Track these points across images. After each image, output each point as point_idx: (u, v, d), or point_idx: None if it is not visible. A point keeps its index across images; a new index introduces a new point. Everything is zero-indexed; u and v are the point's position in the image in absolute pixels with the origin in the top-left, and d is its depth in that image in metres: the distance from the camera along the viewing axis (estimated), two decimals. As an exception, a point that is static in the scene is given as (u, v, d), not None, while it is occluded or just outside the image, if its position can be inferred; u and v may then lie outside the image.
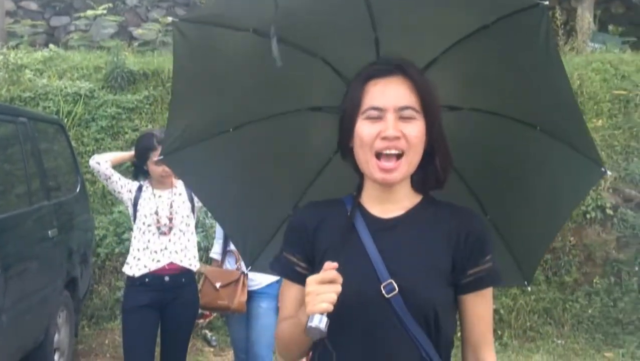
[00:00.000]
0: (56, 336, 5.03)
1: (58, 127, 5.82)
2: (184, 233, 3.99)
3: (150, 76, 8.22)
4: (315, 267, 1.68)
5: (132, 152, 4.19)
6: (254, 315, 4.25)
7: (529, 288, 2.17)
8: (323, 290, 1.54)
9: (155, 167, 3.91)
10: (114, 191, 4.06)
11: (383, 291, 1.62)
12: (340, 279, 1.56)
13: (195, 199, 4.01)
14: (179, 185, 4.05)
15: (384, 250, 1.66)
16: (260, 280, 4.23)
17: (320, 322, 1.54)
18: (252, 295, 4.24)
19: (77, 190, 5.47)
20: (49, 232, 4.73)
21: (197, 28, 1.91)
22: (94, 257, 6.40)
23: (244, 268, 4.16)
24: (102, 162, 4.01)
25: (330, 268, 1.56)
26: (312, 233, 1.74)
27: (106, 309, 6.36)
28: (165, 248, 3.92)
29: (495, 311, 6.48)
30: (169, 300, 3.90)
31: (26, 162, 4.62)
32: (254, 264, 2.22)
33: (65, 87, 7.82)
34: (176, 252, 3.94)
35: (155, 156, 3.89)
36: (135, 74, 8.15)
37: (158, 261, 3.90)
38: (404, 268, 1.65)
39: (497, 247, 1.89)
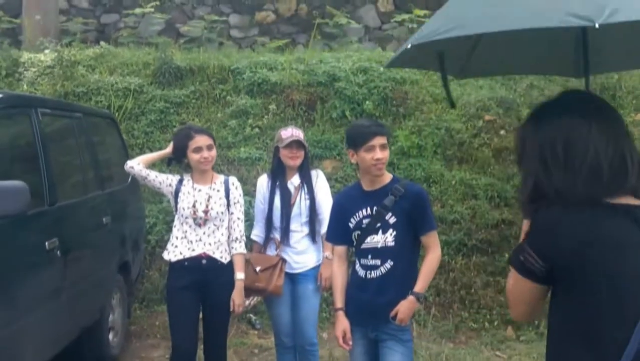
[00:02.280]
0: (110, 316, 5.37)
1: (110, 121, 6.14)
2: (217, 228, 4.24)
3: (196, 72, 8.44)
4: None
5: (165, 151, 4.43)
6: (301, 296, 4.49)
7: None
8: None
9: (193, 155, 4.18)
10: (154, 188, 4.35)
11: None
12: None
13: (234, 196, 4.26)
14: (218, 181, 4.31)
15: None
16: (305, 263, 4.49)
17: None
18: (297, 277, 4.50)
19: (129, 180, 5.78)
20: (103, 219, 5.06)
21: None
22: (145, 244, 6.70)
23: (283, 254, 4.44)
24: (135, 165, 4.26)
25: None
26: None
27: (156, 293, 6.63)
28: (200, 240, 4.20)
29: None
30: (207, 282, 4.20)
31: (81, 154, 4.96)
32: None
33: (116, 83, 8.10)
34: (210, 244, 4.21)
35: (194, 145, 4.17)
36: (182, 70, 8.38)
37: (193, 250, 4.19)
38: None
39: None
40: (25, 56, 8.76)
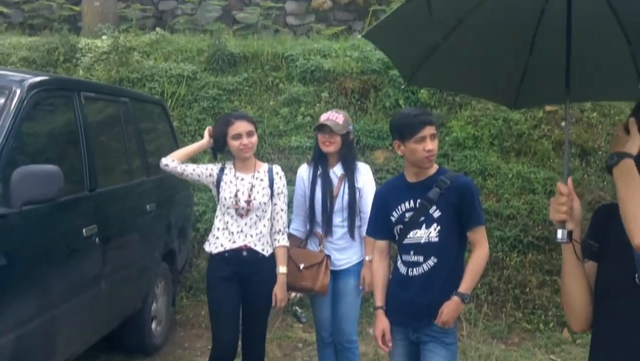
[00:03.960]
0: (154, 305, 5.32)
1: (159, 107, 6.09)
2: (260, 219, 4.09)
3: (249, 59, 8.38)
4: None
5: (201, 142, 4.27)
6: (341, 291, 4.31)
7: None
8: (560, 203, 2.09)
9: (233, 142, 4.05)
10: (195, 182, 4.24)
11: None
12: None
13: (278, 186, 4.11)
14: (261, 170, 4.15)
15: None
16: (347, 259, 4.30)
17: (562, 236, 2.08)
18: (339, 273, 4.31)
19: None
20: (147, 206, 5.00)
21: None
22: (194, 232, 6.65)
23: (328, 249, 4.26)
24: (170, 162, 4.13)
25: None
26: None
27: (203, 282, 6.34)
28: (241, 231, 4.06)
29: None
30: (248, 274, 4.06)
31: (126, 140, 4.90)
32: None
33: (170, 69, 8.10)
34: (251, 236, 4.06)
35: (233, 131, 4.03)
36: (235, 57, 8.33)
37: (234, 242, 4.06)
38: None
39: None
40: (83, 42, 8.84)
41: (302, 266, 4.24)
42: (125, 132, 4.93)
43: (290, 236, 4.35)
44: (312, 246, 4.36)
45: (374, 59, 7.99)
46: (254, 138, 4.08)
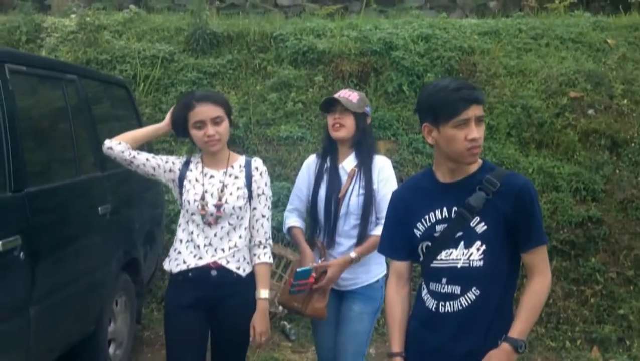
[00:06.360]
0: (112, 325, 4.47)
1: (122, 89, 5.20)
2: (234, 228, 3.17)
3: (234, 39, 7.71)
4: None
5: (159, 125, 3.37)
6: (344, 318, 3.51)
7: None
8: None
9: (196, 132, 3.14)
10: (147, 176, 3.29)
11: None
12: None
13: (258, 185, 3.23)
14: (236, 165, 3.23)
15: None
16: (354, 280, 3.47)
17: None
18: (344, 295, 3.51)
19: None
20: (100, 208, 4.11)
21: None
22: (167, 235, 5.83)
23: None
24: (115, 145, 3.20)
25: None
26: None
27: None
28: (210, 244, 3.15)
29: (624, 317, 5.54)
30: (218, 300, 3.13)
31: (72, 127, 3.99)
32: None
33: (144, 50, 7.41)
34: (223, 250, 3.15)
35: (194, 117, 3.12)
36: (218, 36, 7.65)
37: (200, 258, 3.14)
38: None
39: None
40: (49, 21, 8.17)
41: None
42: (72, 117, 4.01)
43: (293, 229, 3.56)
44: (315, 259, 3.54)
45: (374, 39, 7.33)
46: (223, 127, 3.14)
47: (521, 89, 6.88)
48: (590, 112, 6.70)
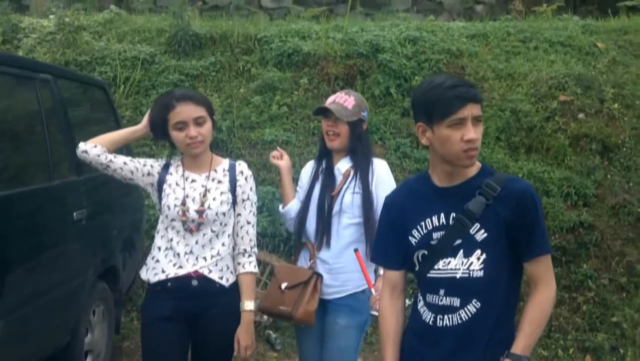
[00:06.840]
0: (88, 336, 4.27)
1: (100, 89, 5.02)
2: (217, 236, 3.00)
3: (217, 40, 7.60)
4: None
5: (137, 126, 3.18)
6: (328, 332, 3.32)
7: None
8: None
9: (177, 133, 2.97)
10: (125, 179, 3.11)
11: None
12: None
13: (243, 189, 3.06)
14: (219, 168, 3.06)
15: None
16: (339, 287, 3.29)
17: None
18: (328, 305, 3.31)
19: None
20: (75, 214, 3.92)
21: None
22: (147, 241, 5.64)
23: (318, 267, 3.26)
24: (90, 148, 3.01)
25: None
26: None
27: None
28: (191, 252, 2.97)
29: (617, 324, 5.43)
30: (199, 312, 2.96)
31: (47, 130, 3.80)
32: None
33: (124, 51, 7.27)
34: (205, 258, 2.98)
35: (175, 118, 2.95)
36: (201, 38, 7.54)
37: (180, 267, 2.97)
38: None
39: None
40: (27, 21, 8.02)
41: (284, 286, 3.27)
42: (45, 119, 3.81)
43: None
44: (303, 262, 3.40)
45: (360, 41, 7.25)
46: (206, 128, 2.96)
47: (510, 93, 6.84)
48: (581, 115, 6.67)
